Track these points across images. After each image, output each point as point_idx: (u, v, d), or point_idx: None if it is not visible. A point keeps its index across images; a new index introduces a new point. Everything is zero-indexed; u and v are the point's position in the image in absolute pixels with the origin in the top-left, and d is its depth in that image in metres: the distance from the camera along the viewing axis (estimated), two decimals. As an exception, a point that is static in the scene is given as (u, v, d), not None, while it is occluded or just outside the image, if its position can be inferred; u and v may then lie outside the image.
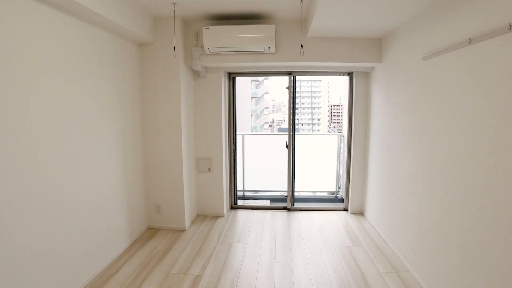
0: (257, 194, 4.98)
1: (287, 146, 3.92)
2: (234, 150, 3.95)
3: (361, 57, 3.25)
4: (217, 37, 3.04)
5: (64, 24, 2.06)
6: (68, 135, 2.11)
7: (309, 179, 5.07)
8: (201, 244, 2.98)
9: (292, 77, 3.76)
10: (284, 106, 41.71)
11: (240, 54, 3.24)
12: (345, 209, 3.95)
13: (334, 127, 40.97)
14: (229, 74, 3.78)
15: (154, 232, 3.26)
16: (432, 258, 2.19)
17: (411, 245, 2.53)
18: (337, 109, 42.34)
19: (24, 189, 1.75)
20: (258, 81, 24.88)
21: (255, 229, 3.36)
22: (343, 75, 3.77)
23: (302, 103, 40.03)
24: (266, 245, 2.97)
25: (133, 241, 3.02)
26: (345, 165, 4.12)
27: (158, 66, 3.12)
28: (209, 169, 3.71)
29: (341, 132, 4.76)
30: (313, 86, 40.02)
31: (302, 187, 5.01)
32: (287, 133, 3.95)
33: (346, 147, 4.27)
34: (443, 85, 2.06)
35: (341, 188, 4.77)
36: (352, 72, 3.71)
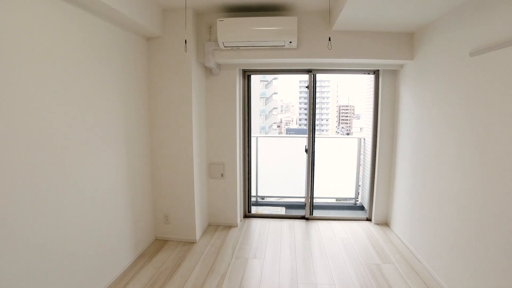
0: (271, 201, 4.68)
1: (306, 150, 3.61)
2: (248, 154, 3.66)
3: (389, 54, 2.92)
4: (233, 30, 2.75)
5: (62, 13, 1.79)
6: (67, 138, 1.85)
7: (326, 184, 4.76)
8: (214, 260, 2.70)
9: (312, 75, 3.45)
10: (293, 106, 41.31)
11: (258, 50, 2.95)
12: (368, 219, 3.63)
13: (342, 127, 40.42)
14: (244, 71, 3.49)
15: (161, 244, 2.98)
16: (472, 279, 1.88)
17: (447, 262, 2.24)
18: (346, 109, 41.78)
19: (16, 196, 1.48)
20: (267, 81, 24.53)
21: (272, 242, 3.06)
22: (368, 73, 3.45)
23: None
24: (285, 262, 2.68)
25: (139, 254, 2.75)
26: (368, 171, 3.79)
27: (167, 62, 2.84)
28: (221, 175, 3.43)
29: (361, 135, 4.43)
30: (321, 86, 39.51)
31: (319, 193, 4.70)
32: (306, 135, 3.65)
33: (369, 152, 3.94)
34: (497, 85, 1.73)
35: (360, 195, 4.45)
36: (378, 70, 3.38)
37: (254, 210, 4.06)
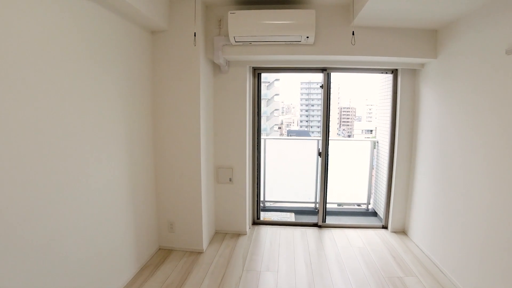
0: (279, 206, 4.46)
1: (320, 154, 3.40)
2: (258, 157, 3.45)
3: (411, 52, 2.71)
4: (245, 23, 2.54)
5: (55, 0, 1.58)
6: (64, 139, 1.64)
7: (337, 189, 4.54)
8: (223, 273, 2.48)
9: (327, 74, 3.25)
10: (294, 107, 41.07)
11: (271, 45, 2.74)
12: (384, 227, 3.41)
13: (343, 129, 40.18)
14: (254, 69, 3.28)
15: (166, 254, 2.77)
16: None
17: (476, 276, 2.09)
18: (347, 111, 41.56)
19: (8, 202, 1.27)
20: (269, 82, 24.32)
21: (285, 252, 2.84)
22: (386, 73, 3.24)
23: (312, 105, 39.39)
24: (301, 275, 2.46)
25: (142, 266, 2.54)
26: (383, 176, 3.58)
27: (174, 59, 2.64)
28: (230, 180, 3.21)
29: (374, 137, 4.23)
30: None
31: (330, 199, 4.48)
32: (316, 137, 3.44)
33: (383, 155, 3.73)
34: None
35: (373, 201, 4.24)
36: (397, 70, 3.18)
37: (262, 216, 3.85)
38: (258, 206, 3.54)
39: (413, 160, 3.15)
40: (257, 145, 3.43)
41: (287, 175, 4.49)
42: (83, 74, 1.78)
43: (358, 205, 4.46)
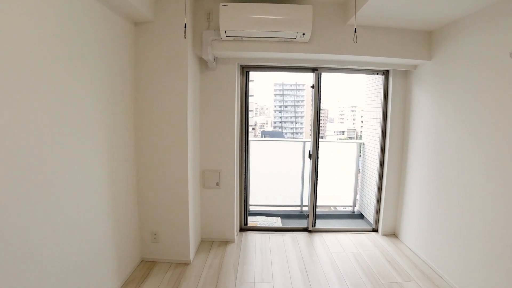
0: (265, 209, 4.31)
1: (310, 156, 3.29)
2: (245, 160, 3.28)
3: (405, 53, 2.68)
4: (238, 17, 2.37)
5: (30, -28, 1.32)
6: (33, 142, 1.37)
7: (323, 192, 4.47)
8: (215, 286, 2.28)
9: (318, 74, 3.15)
10: (267, 109, 41.16)
11: (264, 42, 2.59)
12: (375, 230, 3.38)
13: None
14: (242, 67, 3.11)
15: (150, 267, 2.52)
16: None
17: (475, 278, 2.08)
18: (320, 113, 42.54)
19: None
20: (244, 82, 24.21)
21: (278, 261, 2.70)
22: (377, 74, 3.21)
23: (285, 107, 39.78)
24: (298, 285, 2.32)
25: (124, 280, 2.28)
26: (370, 179, 3.55)
27: (159, 52, 2.40)
28: (217, 184, 3.01)
29: (360, 140, 4.21)
30: (296, 90, 39.86)
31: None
32: (310, 140, 3.33)
33: (371, 157, 3.71)
34: None
35: (359, 203, 4.22)
36: (388, 71, 3.15)
37: (250, 221, 3.68)
38: (245, 211, 3.37)
39: (404, 162, 3.13)
40: (245, 147, 3.25)
41: (272, 177, 4.35)
42: (57, 68, 1.52)
43: (343, 207, 4.43)
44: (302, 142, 4.30)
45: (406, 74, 3.08)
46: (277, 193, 4.36)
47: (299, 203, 4.32)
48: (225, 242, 3.04)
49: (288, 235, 3.24)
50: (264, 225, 3.56)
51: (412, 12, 2.28)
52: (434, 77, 2.64)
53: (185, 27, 2.02)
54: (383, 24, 2.57)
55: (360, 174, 4.22)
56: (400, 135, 3.14)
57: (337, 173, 4.45)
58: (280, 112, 39.63)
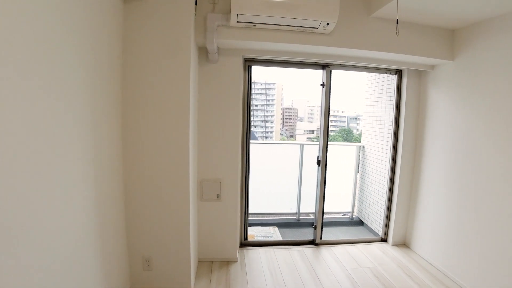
0: (261, 219, 3.96)
1: (319, 162, 2.98)
2: (247, 165, 2.89)
3: (427, 51, 2.45)
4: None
5: None
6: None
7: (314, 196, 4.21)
8: (229, 324, 1.89)
9: (328, 71, 2.84)
10: (238, 107, 40.25)
11: (280, 31, 2.22)
12: (384, 240, 3.16)
13: (286, 129, 41.32)
14: (245, 60, 2.72)
15: (142, 303, 2.05)
16: None
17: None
18: (289, 112, 42.88)
19: None
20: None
21: (292, 284, 2.35)
22: (389, 73, 2.97)
23: (256, 105, 39.58)
24: (325, 316, 2.00)
25: (111, 326, 1.80)
26: (377, 184, 3.34)
27: (154, 37, 1.94)
28: (217, 197, 2.60)
29: (361, 143, 4.00)
30: (267, 89, 39.77)
31: (311, 208, 4.12)
32: (318, 143, 3.02)
33: (372, 161, 3.50)
34: None
35: (357, 209, 4.01)
36: (401, 70, 2.93)
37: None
38: (245, 224, 2.98)
39: (417, 168, 2.93)
40: (246, 152, 2.86)
41: (267, 183, 4.01)
42: (28, 56, 1.04)
43: (342, 213, 4.20)
44: (299, 145, 3.99)
45: (420, 74, 2.87)
46: (273, 200, 4.03)
47: (295, 211, 4.02)
48: (227, 262, 2.64)
49: (294, 250, 2.91)
50: (266, 240, 3.20)
51: (441, 5, 2.04)
52: (456, 78, 2.45)
53: (196, 3, 1.59)
54: (406, 17, 2.31)
55: (359, 179, 4.02)
56: (413, 139, 2.94)
57: (334, 178, 4.21)
58: (251, 110, 38.91)
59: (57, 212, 1.24)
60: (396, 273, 2.53)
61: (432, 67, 2.71)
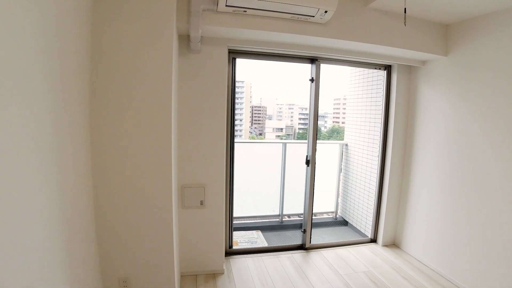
0: (243, 222, 3.72)
1: (308, 162, 2.81)
2: (231, 167, 2.64)
3: (421, 45, 2.37)
4: (245, -20, 1.74)
5: None
6: None
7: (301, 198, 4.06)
8: None
9: (317, 65, 2.68)
10: (206, 105, 39.34)
11: (273, 18, 2.00)
12: (373, 240, 3.07)
13: (255, 128, 41.24)
14: (229, 52, 2.46)
15: (118, 333, 1.74)
16: None
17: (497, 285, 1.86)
18: (258, 110, 42.85)
19: None
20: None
21: (287, 296, 2.16)
22: (379, 68, 2.88)
23: (225, 103, 38.87)
24: (328, 332, 1.82)
25: None
26: (362, 183, 3.25)
27: (130, 20, 1.63)
28: (201, 203, 2.33)
29: (344, 141, 3.91)
30: (236, 86, 39.33)
31: (293, 209, 3.95)
32: (306, 141, 2.85)
33: (356, 160, 3.42)
34: None
35: (341, 209, 3.93)
36: (390, 66, 2.85)
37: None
38: (231, 232, 2.74)
39: (407, 166, 2.87)
40: (231, 153, 2.62)
41: (248, 185, 3.78)
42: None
43: (327, 213, 4.09)
44: (281, 144, 3.81)
45: (410, 70, 2.81)
46: (255, 202, 3.81)
47: (278, 213, 3.84)
48: (213, 275, 2.38)
49: (283, 256, 2.72)
50: (252, 246, 2.97)
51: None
52: (451, 75, 2.39)
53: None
54: (400, 10, 2.20)
55: (342, 178, 3.93)
56: (403, 136, 2.87)
57: (317, 177, 4.09)
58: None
59: (7, 233, 0.92)
60: (392, 276, 2.44)
61: (423, 62, 2.65)
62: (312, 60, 2.65)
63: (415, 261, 2.68)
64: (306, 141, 2.85)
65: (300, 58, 2.64)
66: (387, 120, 2.89)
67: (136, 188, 1.75)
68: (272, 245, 3.00)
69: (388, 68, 2.85)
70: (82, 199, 1.53)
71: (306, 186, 2.85)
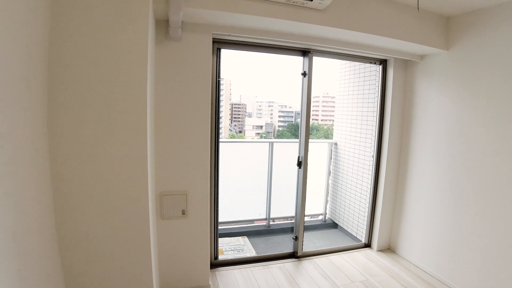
0: (227, 228, 3.46)
1: (299, 164, 2.59)
2: (215, 168, 2.37)
3: (421, 38, 2.20)
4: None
5: None
6: None
7: (288, 200, 3.85)
8: None
9: (310, 58, 2.46)
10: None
11: (266, 2, 1.75)
12: (367, 245, 2.91)
13: (235, 125, 40.82)
14: (213, 42, 2.18)
15: None
16: None
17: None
18: (238, 108, 42.40)
19: None
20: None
21: (282, 315, 1.93)
22: (374, 63, 2.70)
23: (204, 101, 38.20)
24: None
25: None
26: (353, 184, 3.08)
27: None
28: (183, 213, 2.05)
29: (333, 139, 3.73)
30: (220, 81, 38.73)
31: (279, 212, 3.73)
32: (294, 141, 2.63)
33: (346, 160, 3.26)
34: None
35: (329, 210, 3.76)
36: (386, 60, 2.68)
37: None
38: (216, 241, 2.47)
39: (403, 167, 2.72)
40: (215, 153, 2.35)
41: (233, 187, 3.52)
42: None
43: (313, 216, 3.91)
44: (268, 143, 3.58)
45: (406, 65, 2.65)
46: (240, 205, 3.56)
47: (265, 216, 3.62)
48: (197, 293, 2.12)
49: (274, 267, 2.50)
50: (239, 256, 2.72)
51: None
52: (453, 70, 2.24)
53: None
54: (402, -2, 2.02)
55: (331, 178, 3.76)
56: (399, 136, 2.71)
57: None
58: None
59: None
60: (392, 285, 2.27)
61: (421, 57, 2.49)
62: (305, 52, 2.43)
63: (413, 267, 2.54)
64: (293, 140, 2.63)
65: (291, 50, 2.41)
66: (382, 118, 2.73)
67: (106, 198, 1.45)
68: (261, 254, 2.76)
69: (383, 63, 2.67)
70: (40, 210, 1.22)
71: (298, 190, 2.63)
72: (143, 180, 1.52)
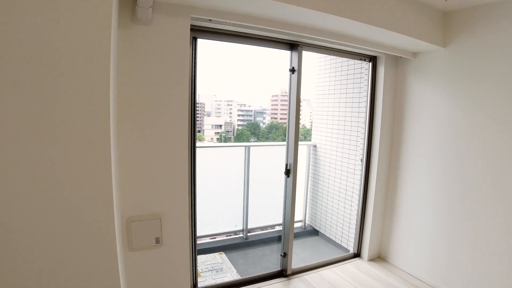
0: (202, 243, 3.07)
1: (287, 172, 2.29)
2: (192, 179, 1.97)
3: (419, 32, 2.03)
4: None
5: None
6: None
7: (262, 208, 3.53)
8: None
9: (300, 52, 2.17)
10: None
11: (262, -23, 1.42)
12: (357, 255, 2.72)
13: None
14: (190, 29, 1.79)
15: None
16: None
17: None
18: (197, 106, 41.30)
19: None
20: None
21: None
22: (364, 60, 2.50)
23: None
24: None
25: None
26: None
27: None
28: (157, 241, 1.64)
29: (312, 142, 3.52)
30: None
31: (255, 222, 3.42)
32: (285, 144, 2.33)
33: (325, 163, 3.07)
34: None
35: (309, 217, 3.55)
36: (375, 57, 2.49)
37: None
38: (194, 266, 2.08)
39: (393, 171, 2.56)
40: (192, 161, 1.95)
41: (205, 196, 3.14)
42: None
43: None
44: (244, 147, 3.24)
45: (397, 63, 2.49)
46: (213, 216, 3.18)
47: (241, 227, 3.29)
48: (176, 337, 1.72)
49: (262, 291, 2.18)
50: (221, 281, 2.35)
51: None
52: (450, 69, 2.11)
53: None
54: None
55: (310, 183, 3.54)
56: (389, 138, 2.55)
57: (276, 183, 3.63)
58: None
59: None
60: (390, 301, 2.09)
61: (414, 54, 2.34)
62: (293, 45, 2.14)
63: (407, 276, 2.39)
64: (272, 143, 2.35)
65: (278, 42, 2.11)
66: (372, 120, 2.54)
67: (53, 230, 1.02)
68: (244, 274, 2.43)
69: (373, 60, 2.49)
70: None
71: (285, 203, 2.35)
72: (106, 203, 1.11)
